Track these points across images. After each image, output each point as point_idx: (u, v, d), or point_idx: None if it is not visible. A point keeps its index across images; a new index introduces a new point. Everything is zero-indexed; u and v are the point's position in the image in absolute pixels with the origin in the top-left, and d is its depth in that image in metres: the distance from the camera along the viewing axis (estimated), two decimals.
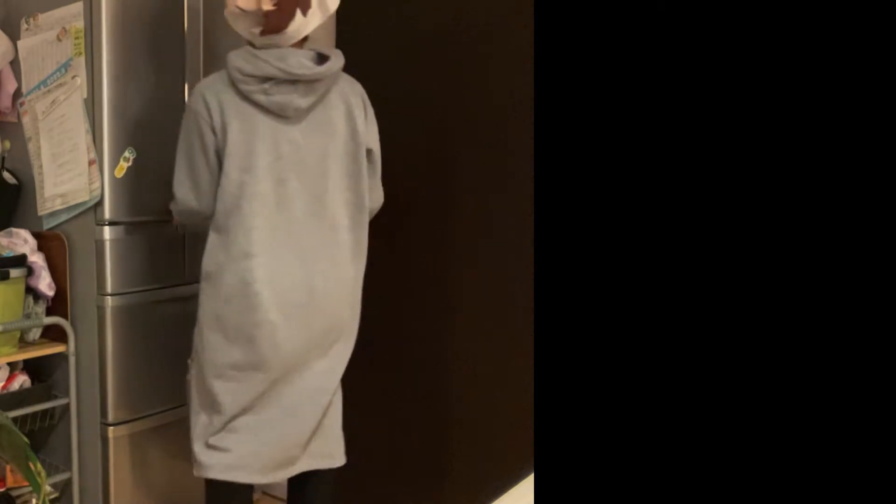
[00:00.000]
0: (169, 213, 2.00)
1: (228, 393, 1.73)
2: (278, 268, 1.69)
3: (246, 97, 1.66)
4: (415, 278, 2.23)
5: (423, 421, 2.22)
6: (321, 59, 1.71)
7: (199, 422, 1.79)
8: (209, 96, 1.67)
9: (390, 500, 2.31)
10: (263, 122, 1.67)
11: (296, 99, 1.66)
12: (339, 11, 2.25)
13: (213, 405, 1.75)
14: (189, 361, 1.84)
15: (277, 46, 1.66)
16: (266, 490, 2.55)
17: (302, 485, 1.93)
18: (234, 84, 1.66)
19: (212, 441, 1.76)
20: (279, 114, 1.67)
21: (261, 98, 1.65)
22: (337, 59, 1.71)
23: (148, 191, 2.01)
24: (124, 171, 1.95)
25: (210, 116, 1.66)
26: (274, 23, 1.62)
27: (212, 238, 1.73)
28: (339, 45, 2.27)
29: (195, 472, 1.81)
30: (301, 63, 1.65)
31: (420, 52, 2.16)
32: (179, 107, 2.05)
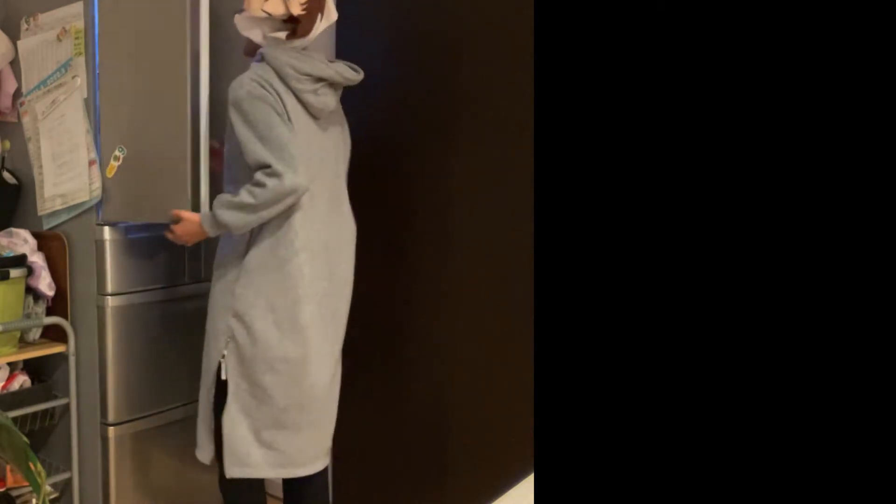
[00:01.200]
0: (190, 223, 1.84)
1: (278, 386, 1.74)
2: (314, 261, 1.77)
3: (295, 94, 1.71)
4: (413, 277, 2.22)
5: (422, 421, 2.22)
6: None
7: (239, 421, 1.74)
8: (265, 84, 1.67)
9: (390, 500, 2.31)
10: (305, 120, 1.74)
11: (332, 102, 1.78)
12: (338, 5, 2.26)
13: (262, 399, 1.74)
14: (220, 360, 1.76)
15: (293, 48, 1.74)
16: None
17: (298, 481, 1.93)
18: (283, 80, 1.69)
19: (264, 437, 1.76)
20: (315, 115, 1.77)
21: (310, 97, 1.72)
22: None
23: (148, 190, 2.01)
24: (115, 170, 1.94)
25: (276, 98, 1.67)
26: (305, 27, 1.72)
27: (267, 233, 1.71)
28: (338, 39, 2.28)
29: (232, 473, 1.76)
30: (346, 68, 1.79)
31: (419, 47, 2.16)
32: (178, 106, 2.05)
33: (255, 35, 1.75)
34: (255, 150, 1.65)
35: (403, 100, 2.19)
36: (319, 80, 1.73)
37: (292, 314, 1.72)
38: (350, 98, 2.18)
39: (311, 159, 1.74)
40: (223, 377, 1.75)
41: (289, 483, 1.98)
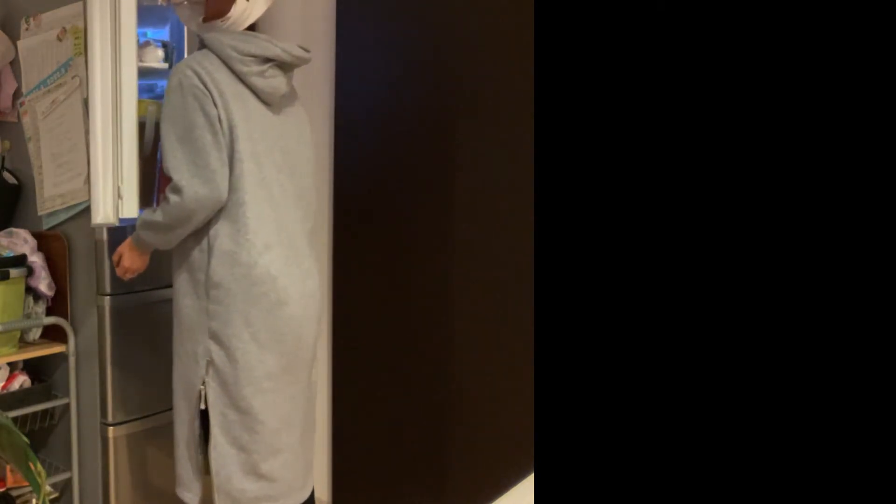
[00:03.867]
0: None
1: (267, 407, 1.61)
2: (288, 257, 1.66)
3: (240, 78, 1.59)
4: (414, 277, 2.22)
5: (422, 421, 2.22)
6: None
7: (231, 457, 1.62)
8: (202, 73, 1.55)
9: (390, 500, 2.31)
10: (256, 107, 1.63)
11: (283, 85, 1.67)
12: (338, 7, 2.26)
13: (254, 428, 1.61)
14: (201, 388, 1.62)
15: (237, 32, 1.63)
16: None
17: None
18: (226, 64, 1.58)
19: (262, 470, 1.63)
20: (267, 100, 1.65)
21: (257, 81, 1.59)
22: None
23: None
24: None
25: (209, 92, 1.54)
26: (214, 7, 1.61)
27: (224, 239, 1.59)
28: (338, 40, 2.28)
29: None
30: (295, 46, 1.66)
31: (420, 48, 2.16)
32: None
33: (190, 21, 1.71)
34: (168, 155, 1.55)
35: (404, 102, 2.19)
36: (266, 60, 1.59)
37: (269, 323, 1.60)
38: (352, 99, 2.18)
39: (270, 149, 1.64)
40: (202, 407, 1.62)
41: None
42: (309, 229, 1.77)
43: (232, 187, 1.57)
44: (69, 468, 2.05)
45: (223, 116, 1.55)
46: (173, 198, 1.54)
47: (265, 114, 1.64)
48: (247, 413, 1.61)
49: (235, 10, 1.59)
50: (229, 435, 1.62)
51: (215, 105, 1.54)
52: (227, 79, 1.57)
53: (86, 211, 1.96)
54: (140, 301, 2.02)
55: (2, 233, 2.08)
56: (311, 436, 1.81)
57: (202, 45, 1.64)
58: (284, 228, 1.66)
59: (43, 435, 2.13)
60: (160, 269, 2.06)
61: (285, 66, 1.67)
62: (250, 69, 1.58)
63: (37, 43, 2.03)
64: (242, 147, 1.57)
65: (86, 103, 1.92)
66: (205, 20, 1.63)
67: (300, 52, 1.67)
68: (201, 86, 1.53)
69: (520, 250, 1.96)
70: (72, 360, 2.01)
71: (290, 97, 1.75)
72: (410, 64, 2.18)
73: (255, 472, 1.63)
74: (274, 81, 1.63)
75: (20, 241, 2.03)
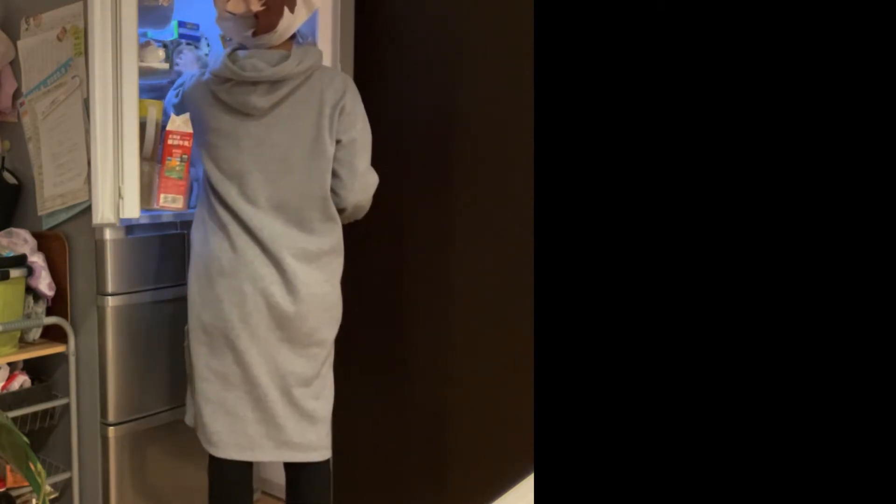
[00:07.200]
0: None
1: (198, 356, 1.82)
2: (244, 249, 1.77)
3: (215, 96, 1.80)
4: (413, 276, 2.23)
5: (422, 421, 2.22)
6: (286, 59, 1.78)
7: (189, 387, 1.90)
8: (183, 91, 1.89)
9: (390, 500, 2.31)
10: (228, 120, 1.79)
11: (255, 98, 1.76)
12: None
13: (193, 365, 1.85)
14: (185, 328, 1.90)
15: (268, 45, 1.78)
16: (266, 490, 2.55)
17: (296, 479, 1.93)
18: (206, 84, 1.83)
19: (197, 399, 1.86)
20: (242, 111, 1.79)
21: (225, 97, 1.79)
22: (296, 60, 1.75)
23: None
24: None
25: (185, 106, 1.85)
26: (264, 23, 1.74)
27: (195, 221, 1.88)
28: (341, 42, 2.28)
29: (186, 420, 1.93)
30: (254, 65, 1.74)
31: (421, 51, 2.16)
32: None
33: (235, 34, 1.82)
34: None
35: (406, 104, 2.19)
36: (227, 80, 1.78)
37: (209, 286, 1.79)
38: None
39: (240, 154, 1.77)
40: (186, 343, 1.90)
41: (290, 477, 1.97)
42: (303, 235, 1.80)
43: (205, 192, 1.84)
44: (69, 468, 2.05)
45: (195, 129, 1.85)
46: None
47: (240, 124, 1.79)
48: (191, 353, 1.86)
49: (282, 24, 1.74)
50: (188, 369, 1.90)
51: (196, 110, 1.84)
52: (207, 97, 1.82)
53: (86, 211, 1.96)
54: (140, 301, 2.03)
55: (2, 233, 2.08)
56: (268, 410, 1.83)
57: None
58: (245, 225, 1.77)
59: (43, 435, 2.13)
60: (160, 269, 2.07)
61: (259, 82, 1.74)
62: (217, 88, 1.80)
63: (37, 43, 2.03)
64: (212, 157, 1.81)
65: (86, 103, 1.93)
66: (255, 35, 1.75)
67: (254, 73, 1.73)
68: (178, 101, 1.89)
69: (520, 251, 1.96)
70: (72, 360, 2.01)
71: (287, 105, 1.77)
72: (412, 64, 2.18)
73: (192, 398, 1.88)
74: (238, 97, 1.77)
75: (20, 241, 2.03)
